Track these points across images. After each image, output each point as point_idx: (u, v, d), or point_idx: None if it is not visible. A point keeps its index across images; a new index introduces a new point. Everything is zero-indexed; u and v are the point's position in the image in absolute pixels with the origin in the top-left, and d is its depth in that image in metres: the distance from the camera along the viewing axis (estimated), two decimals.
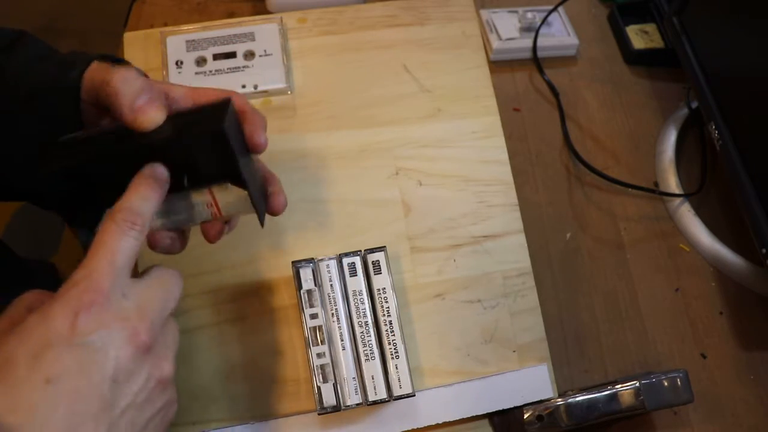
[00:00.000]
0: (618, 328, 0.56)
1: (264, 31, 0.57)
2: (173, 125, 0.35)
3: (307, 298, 0.45)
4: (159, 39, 0.56)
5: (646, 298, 0.57)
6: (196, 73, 0.55)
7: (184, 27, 0.56)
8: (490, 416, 0.49)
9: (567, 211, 0.61)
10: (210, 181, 0.36)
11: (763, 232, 0.50)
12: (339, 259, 0.47)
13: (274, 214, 0.40)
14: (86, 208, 0.36)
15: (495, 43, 0.67)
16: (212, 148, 0.34)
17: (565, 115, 0.65)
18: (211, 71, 0.55)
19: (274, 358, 0.48)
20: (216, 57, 0.55)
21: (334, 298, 0.46)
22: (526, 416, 0.48)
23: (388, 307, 0.46)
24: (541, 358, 0.50)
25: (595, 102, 0.67)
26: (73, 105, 0.37)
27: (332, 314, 0.46)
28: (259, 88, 0.55)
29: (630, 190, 0.62)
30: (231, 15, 0.67)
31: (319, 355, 0.45)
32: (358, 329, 0.45)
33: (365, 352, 0.45)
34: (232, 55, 0.56)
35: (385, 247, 0.47)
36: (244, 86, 0.55)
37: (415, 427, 0.48)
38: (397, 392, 0.45)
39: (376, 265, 0.47)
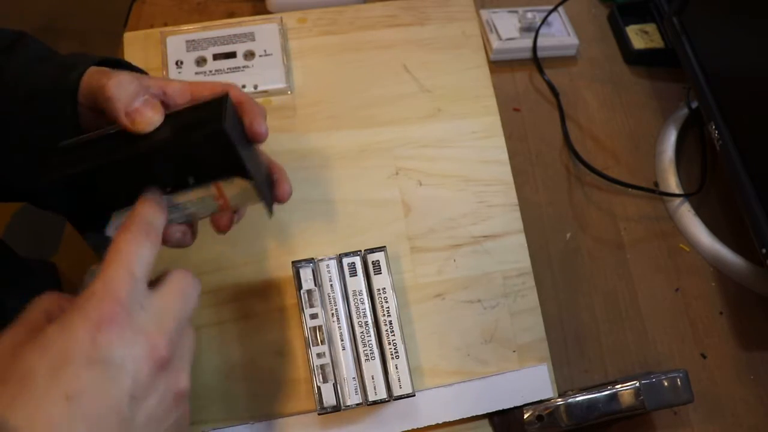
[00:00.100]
0: (618, 328, 0.56)
1: (264, 31, 0.57)
2: (172, 126, 0.35)
3: (307, 298, 0.45)
4: (159, 39, 0.56)
5: (646, 298, 0.57)
6: (196, 73, 0.55)
7: (184, 27, 0.56)
8: (490, 416, 0.49)
9: (567, 211, 0.61)
10: (215, 177, 0.36)
11: (763, 232, 0.50)
12: (339, 259, 0.47)
13: (280, 201, 0.40)
14: (91, 212, 0.36)
15: (495, 43, 0.67)
16: (214, 146, 0.34)
17: (565, 115, 0.65)
18: (211, 71, 0.55)
19: (274, 358, 0.48)
20: (216, 57, 0.55)
21: (334, 298, 0.46)
22: (526, 416, 0.48)
23: (388, 307, 0.46)
24: (541, 358, 0.50)
25: (595, 102, 0.67)
26: (71, 108, 0.37)
27: (332, 314, 0.46)
28: (259, 88, 0.55)
29: (630, 190, 0.62)
30: (231, 15, 0.67)
31: (319, 355, 0.45)
32: (358, 329, 0.45)
33: (365, 352, 0.45)
34: (232, 55, 0.56)
35: (385, 247, 0.47)
36: (244, 86, 0.55)
37: (415, 427, 0.48)
38: (397, 392, 0.45)
39: (376, 265, 0.47)
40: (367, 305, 0.46)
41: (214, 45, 0.56)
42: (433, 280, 0.51)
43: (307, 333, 0.45)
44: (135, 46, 0.56)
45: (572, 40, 0.68)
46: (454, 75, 0.57)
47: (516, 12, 0.70)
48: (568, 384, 0.53)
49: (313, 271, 0.46)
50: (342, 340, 0.45)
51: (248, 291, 0.49)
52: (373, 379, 0.45)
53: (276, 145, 0.48)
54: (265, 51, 0.56)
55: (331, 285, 0.46)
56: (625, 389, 0.48)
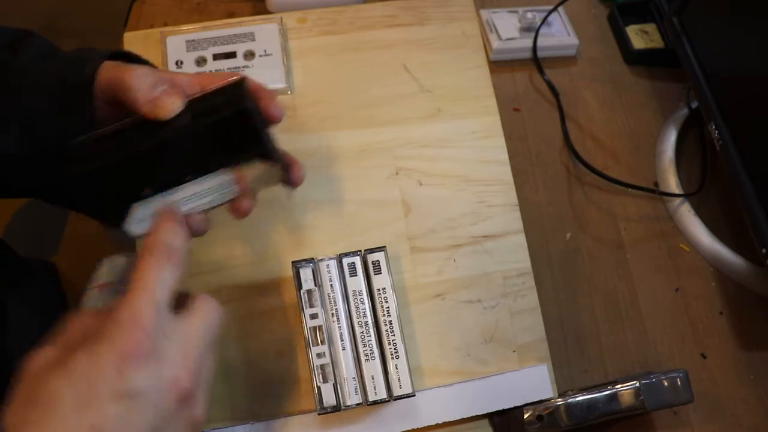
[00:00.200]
0: (618, 328, 0.56)
1: (264, 31, 0.57)
2: (193, 111, 0.36)
3: (307, 298, 0.45)
4: (159, 39, 0.56)
5: (646, 298, 0.57)
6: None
7: (184, 27, 0.56)
8: (490, 416, 0.49)
9: (567, 211, 0.61)
10: (237, 160, 0.37)
11: (763, 232, 0.50)
12: (339, 259, 0.47)
13: (295, 185, 0.41)
14: (111, 205, 0.37)
15: (495, 43, 0.67)
16: (238, 126, 0.35)
17: (565, 115, 0.65)
18: (211, 71, 0.55)
19: (274, 358, 0.48)
20: (216, 57, 0.55)
21: (334, 298, 0.46)
22: (526, 416, 0.48)
23: (388, 307, 0.46)
24: (541, 358, 0.50)
25: (595, 102, 0.67)
26: (88, 100, 0.37)
27: (332, 314, 0.46)
28: None
29: (630, 190, 0.62)
30: (231, 15, 0.67)
31: (319, 355, 0.45)
32: (358, 329, 0.45)
33: (365, 352, 0.45)
34: (232, 55, 0.56)
35: (385, 247, 0.47)
36: None
37: (415, 427, 0.48)
38: (397, 392, 0.45)
39: (376, 265, 0.47)
40: (367, 305, 0.46)
41: (214, 45, 0.56)
42: (433, 280, 0.51)
43: (307, 333, 0.45)
44: (135, 46, 0.55)
45: (572, 40, 0.68)
46: (454, 75, 0.57)
47: (516, 12, 0.70)
48: (568, 384, 0.53)
49: (313, 271, 0.46)
50: (342, 340, 0.45)
51: (248, 291, 0.49)
52: (373, 379, 0.45)
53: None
54: (265, 51, 0.56)
55: (331, 285, 0.46)
56: (625, 389, 0.48)
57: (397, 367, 0.45)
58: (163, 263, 0.32)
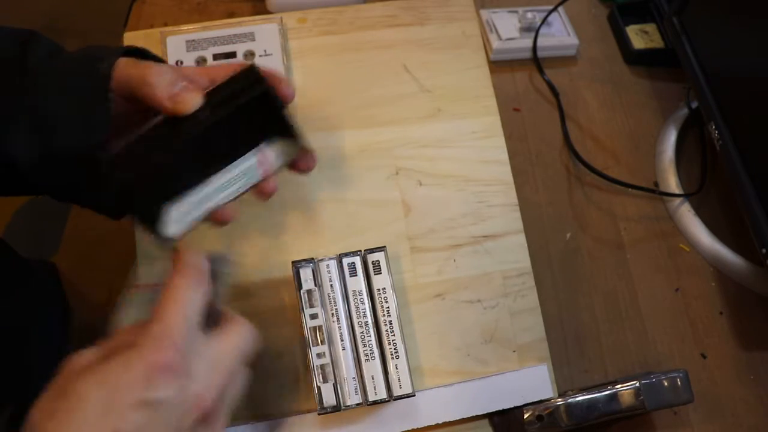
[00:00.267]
0: (618, 328, 0.56)
1: (264, 31, 0.57)
2: (213, 103, 0.37)
3: (307, 298, 0.45)
4: (159, 39, 0.56)
5: (646, 298, 0.57)
6: None
7: (184, 27, 0.56)
8: (490, 416, 0.49)
9: (567, 211, 0.61)
10: (260, 142, 0.38)
11: (763, 232, 0.50)
12: (339, 259, 0.47)
13: (308, 170, 0.42)
14: (147, 208, 0.38)
15: (495, 43, 0.67)
16: (260, 109, 0.37)
17: (565, 115, 0.65)
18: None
19: (274, 358, 0.48)
20: (216, 57, 0.55)
21: (334, 298, 0.46)
22: (526, 416, 0.48)
23: (388, 307, 0.46)
24: (541, 358, 0.50)
25: (595, 102, 0.67)
26: (104, 96, 0.38)
27: (332, 314, 0.46)
28: None
29: (630, 190, 0.62)
30: (231, 15, 0.67)
31: (319, 355, 0.45)
32: (358, 329, 0.45)
33: (365, 352, 0.45)
34: (232, 55, 0.56)
35: (385, 247, 0.47)
36: None
37: (415, 427, 0.48)
38: (397, 392, 0.45)
39: (376, 265, 0.47)
40: (367, 305, 0.46)
41: (214, 45, 0.56)
42: (433, 280, 0.51)
43: (307, 333, 0.45)
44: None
45: (572, 40, 0.68)
46: (454, 75, 0.57)
47: (516, 12, 0.70)
48: (568, 384, 0.53)
49: (313, 271, 0.46)
50: (342, 340, 0.45)
51: (248, 291, 0.49)
52: (373, 379, 0.45)
53: None
54: (265, 51, 0.56)
55: (331, 285, 0.46)
56: (625, 389, 0.48)
57: (397, 367, 0.45)
58: (194, 284, 0.34)
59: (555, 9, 0.69)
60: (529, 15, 0.68)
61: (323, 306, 0.46)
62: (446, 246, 0.52)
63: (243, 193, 0.40)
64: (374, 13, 0.59)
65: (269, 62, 0.55)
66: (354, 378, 0.45)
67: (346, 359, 0.45)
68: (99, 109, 0.37)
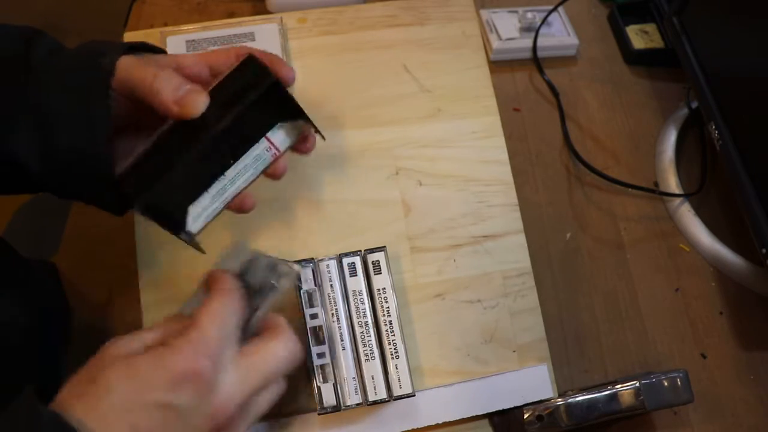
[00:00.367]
0: (618, 328, 0.56)
1: (264, 31, 0.56)
2: (220, 104, 0.38)
3: (307, 298, 0.45)
4: (159, 39, 0.56)
5: (646, 298, 0.57)
6: None
7: (184, 27, 0.56)
8: (490, 416, 0.49)
9: (567, 211, 0.61)
10: (269, 128, 0.39)
11: (763, 232, 0.50)
12: (339, 259, 0.47)
13: (309, 150, 0.43)
14: (170, 212, 0.39)
15: (495, 43, 0.67)
16: (270, 99, 0.38)
17: (565, 115, 0.65)
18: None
19: None
20: None
21: (334, 298, 0.46)
22: (526, 416, 0.48)
23: (388, 307, 0.46)
24: (541, 358, 0.50)
25: (595, 102, 0.67)
26: (105, 91, 0.38)
27: (332, 314, 0.46)
28: None
29: (630, 190, 0.62)
30: (231, 15, 0.67)
31: (319, 355, 0.45)
32: (358, 329, 0.45)
33: (365, 352, 0.45)
34: None
35: (385, 247, 0.47)
36: None
37: (415, 427, 0.48)
38: (397, 392, 0.45)
39: (376, 265, 0.47)
40: (367, 305, 0.46)
41: (214, 45, 0.56)
42: (433, 280, 0.51)
43: (307, 333, 0.45)
44: None
45: (572, 40, 0.68)
46: (454, 75, 0.57)
47: (516, 12, 0.70)
48: (568, 384, 0.53)
49: (313, 271, 0.46)
50: (342, 340, 0.45)
51: None
52: (373, 379, 0.45)
53: None
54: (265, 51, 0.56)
55: (331, 285, 0.46)
56: (625, 389, 0.48)
57: (397, 367, 0.45)
58: (234, 294, 0.35)
59: (555, 9, 0.69)
60: (529, 15, 0.68)
61: (323, 306, 0.46)
62: (446, 246, 0.52)
63: (256, 178, 0.41)
64: (374, 13, 0.59)
65: None
66: (354, 378, 0.45)
67: (346, 359, 0.45)
68: (99, 105, 0.37)
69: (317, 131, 0.41)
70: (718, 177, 0.64)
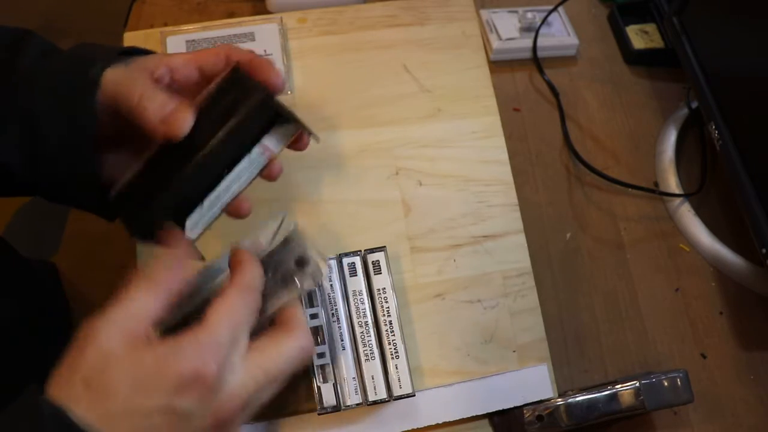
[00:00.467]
0: (618, 328, 0.56)
1: (264, 31, 0.57)
2: (210, 120, 0.37)
3: (307, 298, 0.45)
4: (159, 39, 0.56)
5: (646, 298, 0.57)
6: None
7: (184, 27, 0.56)
8: (490, 416, 0.49)
9: (567, 211, 0.61)
10: (261, 135, 0.39)
11: (763, 232, 0.50)
12: (339, 259, 0.47)
13: (304, 147, 0.42)
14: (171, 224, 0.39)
15: (495, 43, 0.67)
16: (261, 112, 0.38)
17: (565, 115, 0.65)
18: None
19: None
20: None
21: (334, 298, 0.46)
22: (526, 416, 0.48)
23: (388, 307, 0.46)
24: (541, 358, 0.50)
25: (595, 102, 0.67)
26: (90, 100, 0.37)
27: (332, 314, 0.46)
28: None
29: (630, 190, 0.62)
30: (231, 15, 0.67)
31: (319, 355, 0.45)
32: (358, 329, 0.45)
33: (365, 352, 0.45)
34: None
35: (385, 247, 0.47)
36: None
37: (415, 427, 0.48)
38: (397, 392, 0.45)
39: (376, 265, 0.47)
40: (367, 305, 0.46)
41: (214, 45, 0.56)
42: (433, 280, 0.51)
43: None
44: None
45: (572, 40, 0.68)
46: (454, 75, 0.57)
47: (516, 12, 0.70)
48: (568, 384, 0.53)
49: None
50: (342, 340, 0.45)
51: None
52: (373, 379, 0.45)
53: None
54: (265, 51, 0.56)
55: (331, 285, 0.46)
56: (625, 389, 0.48)
57: (397, 367, 0.45)
58: (253, 294, 0.35)
59: (555, 9, 0.69)
60: (529, 15, 0.68)
61: (323, 306, 0.46)
62: (446, 246, 0.52)
63: (252, 181, 0.40)
64: (374, 13, 0.59)
65: None
66: (354, 378, 0.45)
67: (346, 359, 0.45)
68: (85, 111, 0.37)
69: (311, 134, 0.41)
70: (718, 177, 0.64)
